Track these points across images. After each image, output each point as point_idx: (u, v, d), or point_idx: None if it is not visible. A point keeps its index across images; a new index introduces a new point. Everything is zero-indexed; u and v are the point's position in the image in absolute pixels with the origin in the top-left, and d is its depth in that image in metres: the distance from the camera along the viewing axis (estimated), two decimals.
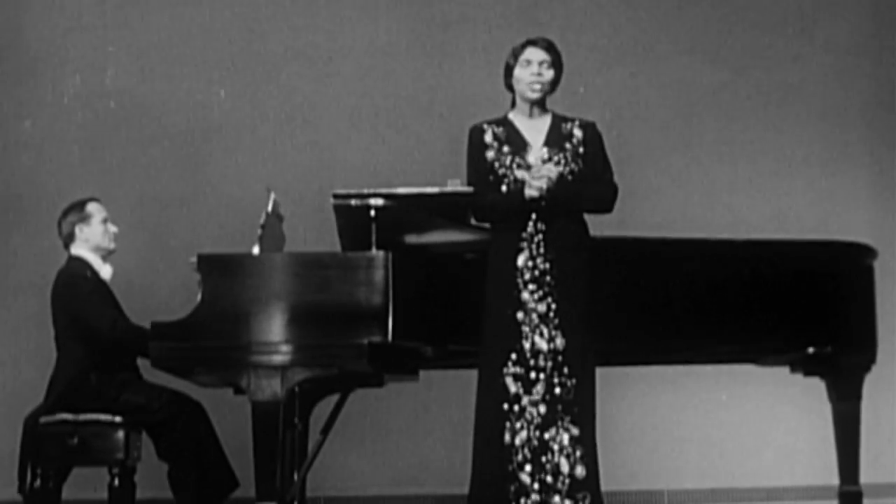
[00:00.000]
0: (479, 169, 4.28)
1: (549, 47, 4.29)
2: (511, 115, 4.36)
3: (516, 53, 4.29)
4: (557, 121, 4.33)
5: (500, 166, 4.25)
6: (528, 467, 4.08)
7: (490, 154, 4.28)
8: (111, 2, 6.71)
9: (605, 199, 4.34)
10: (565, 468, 4.08)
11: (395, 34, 6.75)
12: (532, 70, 4.26)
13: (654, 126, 6.78)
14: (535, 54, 4.27)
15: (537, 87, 4.27)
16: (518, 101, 4.34)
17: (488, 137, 4.30)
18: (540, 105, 4.33)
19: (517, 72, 4.29)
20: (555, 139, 4.29)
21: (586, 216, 4.32)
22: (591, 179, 4.28)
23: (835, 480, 4.88)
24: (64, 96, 6.61)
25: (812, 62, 6.86)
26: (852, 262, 4.87)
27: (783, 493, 6.45)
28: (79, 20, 6.68)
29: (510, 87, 4.34)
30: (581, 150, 4.28)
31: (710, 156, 6.79)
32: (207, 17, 6.72)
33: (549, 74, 4.28)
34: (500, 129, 4.31)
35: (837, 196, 6.76)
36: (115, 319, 4.81)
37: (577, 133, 4.31)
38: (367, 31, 6.75)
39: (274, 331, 4.24)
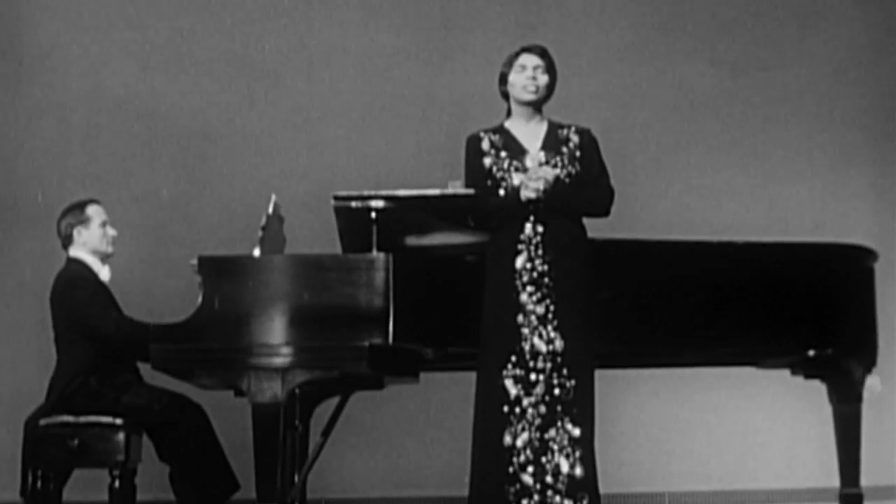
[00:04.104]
0: (477, 175, 4.29)
1: (543, 53, 4.34)
2: (507, 124, 4.38)
3: (511, 60, 4.35)
4: (553, 127, 4.36)
5: (498, 170, 4.26)
6: (530, 468, 4.09)
7: (487, 160, 4.29)
8: (111, 2, 6.71)
9: (602, 203, 4.35)
10: (565, 468, 4.10)
11: (396, 37, 6.75)
12: (527, 74, 4.30)
13: (654, 128, 6.78)
14: (529, 59, 4.32)
15: (532, 88, 4.29)
16: (514, 107, 4.37)
17: (485, 145, 4.32)
18: (536, 109, 4.34)
19: (512, 77, 4.33)
20: (551, 144, 4.31)
21: (584, 219, 4.33)
22: (588, 184, 4.29)
23: (835, 483, 4.87)
24: (64, 96, 6.61)
25: (812, 64, 6.86)
26: (853, 264, 4.86)
27: (784, 496, 6.45)
28: (79, 20, 6.68)
29: (505, 95, 4.38)
30: (578, 153, 4.29)
31: (710, 158, 6.80)
32: (208, 18, 6.72)
33: (543, 79, 4.31)
34: (497, 136, 4.33)
35: (838, 198, 6.76)
36: (117, 320, 4.80)
37: (574, 138, 4.33)
38: (368, 33, 6.75)
39: (274, 333, 4.23)
